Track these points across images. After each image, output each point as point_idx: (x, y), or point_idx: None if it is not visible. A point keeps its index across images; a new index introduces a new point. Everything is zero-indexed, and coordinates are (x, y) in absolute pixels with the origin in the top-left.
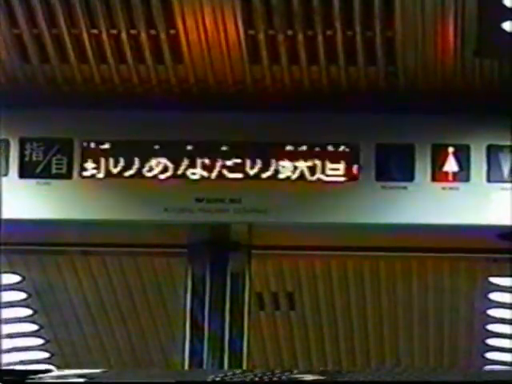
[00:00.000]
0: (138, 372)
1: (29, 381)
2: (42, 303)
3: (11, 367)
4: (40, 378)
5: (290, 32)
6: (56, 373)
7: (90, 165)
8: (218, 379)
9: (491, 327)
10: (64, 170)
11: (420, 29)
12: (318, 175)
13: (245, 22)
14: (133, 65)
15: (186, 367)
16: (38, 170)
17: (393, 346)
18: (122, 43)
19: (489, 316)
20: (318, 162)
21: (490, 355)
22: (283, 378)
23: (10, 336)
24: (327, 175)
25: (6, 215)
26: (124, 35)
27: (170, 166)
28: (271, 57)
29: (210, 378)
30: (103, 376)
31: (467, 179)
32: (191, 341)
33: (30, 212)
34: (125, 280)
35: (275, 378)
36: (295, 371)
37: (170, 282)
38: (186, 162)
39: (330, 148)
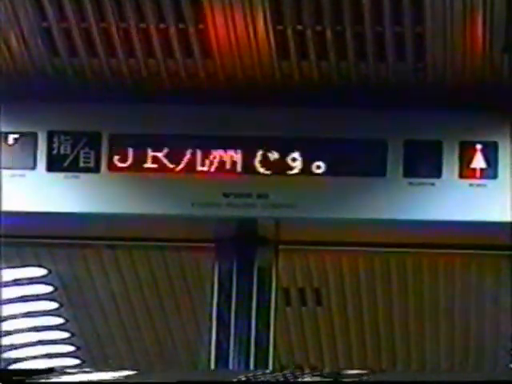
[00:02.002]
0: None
1: (30, 381)
2: (68, 297)
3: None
4: (41, 377)
5: (318, 27)
6: (57, 373)
7: (117, 158)
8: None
9: None
10: (92, 164)
11: (449, 25)
12: (346, 171)
13: (273, 17)
14: (161, 59)
15: (212, 362)
16: (66, 163)
17: (419, 341)
18: (151, 37)
19: None
20: (345, 158)
21: None
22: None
23: (36, 329)
24: (355, 171)
25: (33, 208)
26: (153, 29)
27: (198, 160)
28: (300, 52)
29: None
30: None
31: (495, 176)
32: (217, 336)
33: (57, 206)
34: (152, 274)
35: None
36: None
37: (196, 276)
38: (213, 156)
39: (358, 144)
